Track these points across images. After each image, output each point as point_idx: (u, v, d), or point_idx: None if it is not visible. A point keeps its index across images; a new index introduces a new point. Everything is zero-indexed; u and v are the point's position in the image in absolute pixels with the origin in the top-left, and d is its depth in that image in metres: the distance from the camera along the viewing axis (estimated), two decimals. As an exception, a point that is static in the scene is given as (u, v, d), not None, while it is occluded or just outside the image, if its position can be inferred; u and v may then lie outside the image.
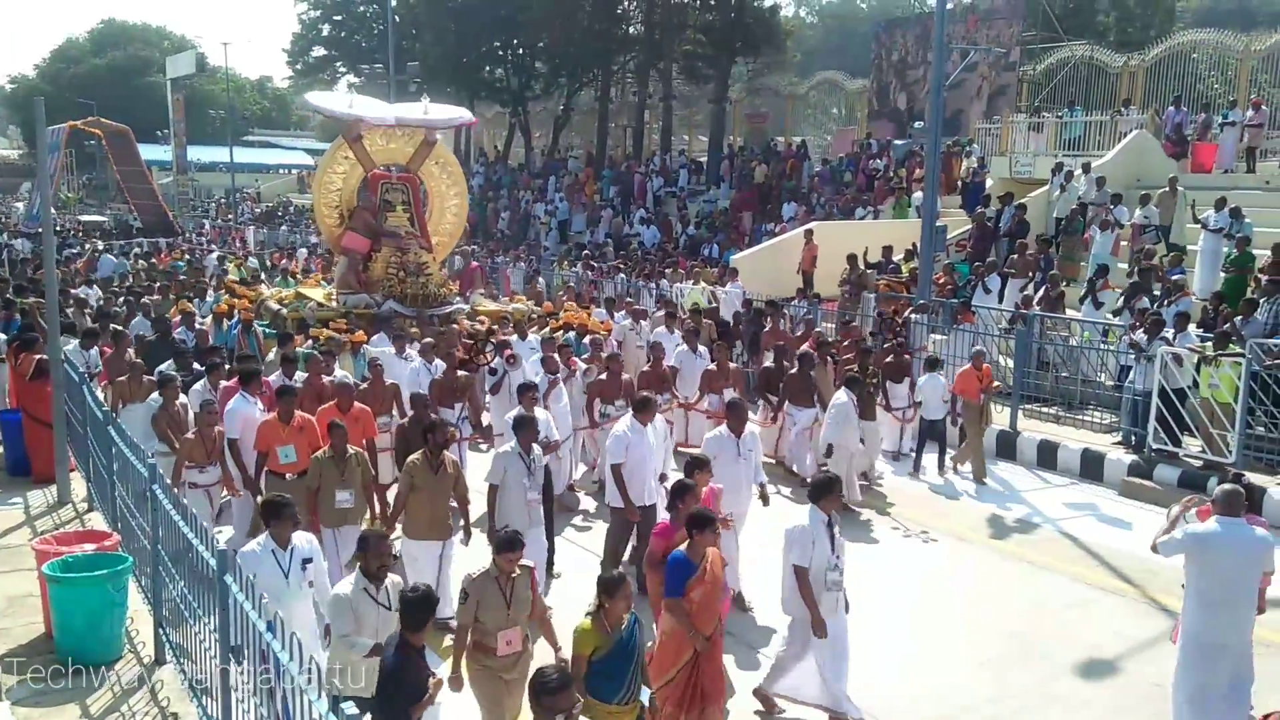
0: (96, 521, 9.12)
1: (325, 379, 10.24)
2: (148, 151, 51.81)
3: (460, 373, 11.02)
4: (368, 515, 8.36)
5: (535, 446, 7.97)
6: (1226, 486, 6.25)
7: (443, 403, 10.46)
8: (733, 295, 17.72)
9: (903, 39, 31.93)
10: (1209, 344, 11.65)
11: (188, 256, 29.21)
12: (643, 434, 8.41)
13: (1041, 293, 15.19)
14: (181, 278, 21.24)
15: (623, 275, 21.57)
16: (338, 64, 51.98)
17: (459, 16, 38.84)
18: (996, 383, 12.33)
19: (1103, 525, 10.57)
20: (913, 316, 14.90)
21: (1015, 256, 16.72)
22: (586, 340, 13.28)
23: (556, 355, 11.42)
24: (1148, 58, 25.50)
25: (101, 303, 17.70)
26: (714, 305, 17.36)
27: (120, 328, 13.32)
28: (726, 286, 18.41)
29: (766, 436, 11.82)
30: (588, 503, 11.03)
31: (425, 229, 16.35)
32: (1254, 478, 10.62)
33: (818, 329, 14.36)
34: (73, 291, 18.21)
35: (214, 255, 29.16)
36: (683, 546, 5.95)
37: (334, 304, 15.25)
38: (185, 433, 9.17)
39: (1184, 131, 21.16)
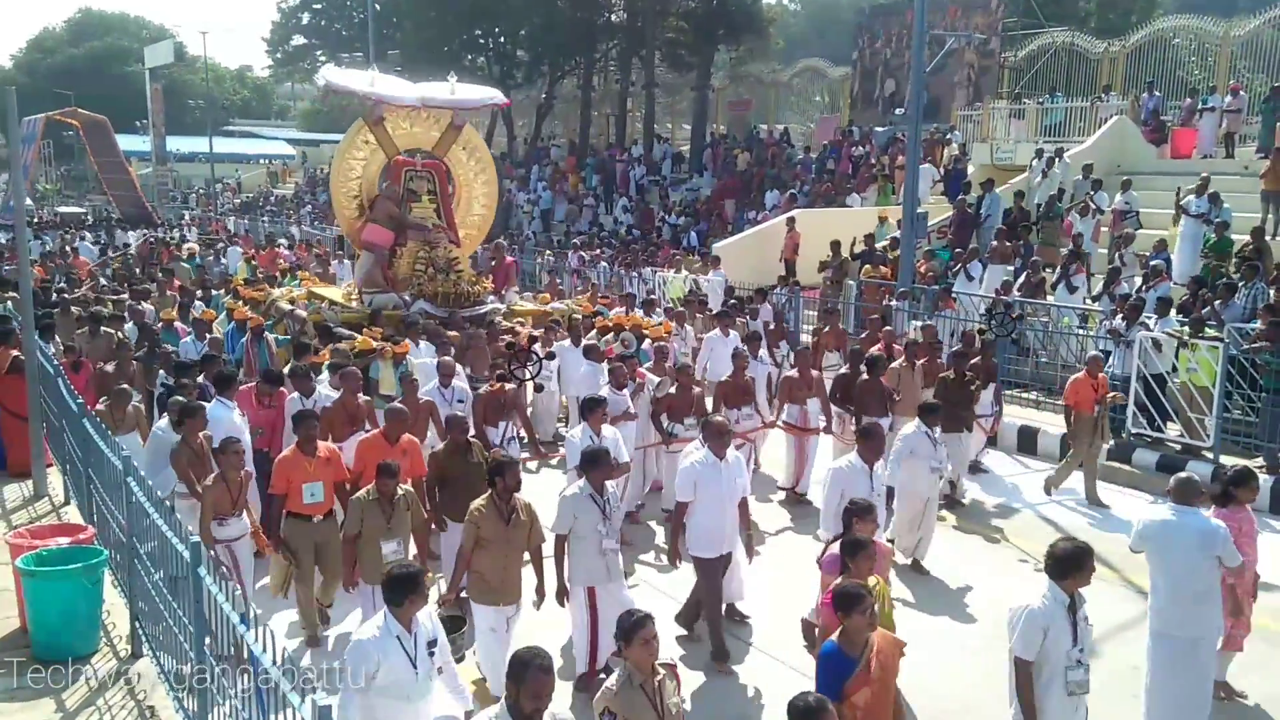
0: (73, 515, 9.05)
1: (362, 397, 8.85)
2: (126, 142, 51.38)
3: (507, 385, 9.78)
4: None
5: (610, 485, 6.67)
6: (1180, 475, 6.15)
7: (489, 421, 9.20)
8: (715, 284, 17.74)
9: (885, 26, 31.90)
10: (1187, 329, 11.72)
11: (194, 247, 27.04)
12: (718, 468, 6.94)
13: (1022, 279, 15.25)
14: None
15: (605, 264, 21.54)
16: (318, 52, 51.60)
17: (440, 4, 38.58)
18: (1114, 392, 10.94)
19: (1081, 510, 10.62)
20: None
21: (995, 244, 16.77)
22: (646, 346, 12.05)
23: (624, 366, 10.11)
24: (1128, 44, 25.59)
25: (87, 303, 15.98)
26: (696, 294, 17.35)
27: (113, 331, 12.19)
28: (709, 275, 18.42)
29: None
30: (658, 534, 9.62)
31: (453, 221, 14.97)
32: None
33: (888, 327, 13.21)
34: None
35: (236, 249, 26.99)
36: (834, 635, 4.69)
37: (353, 304, 14.03)
38: (208, 468, 7.58)
39: (1161, 117, 21.27)
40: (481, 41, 42.28)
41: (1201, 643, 5.97)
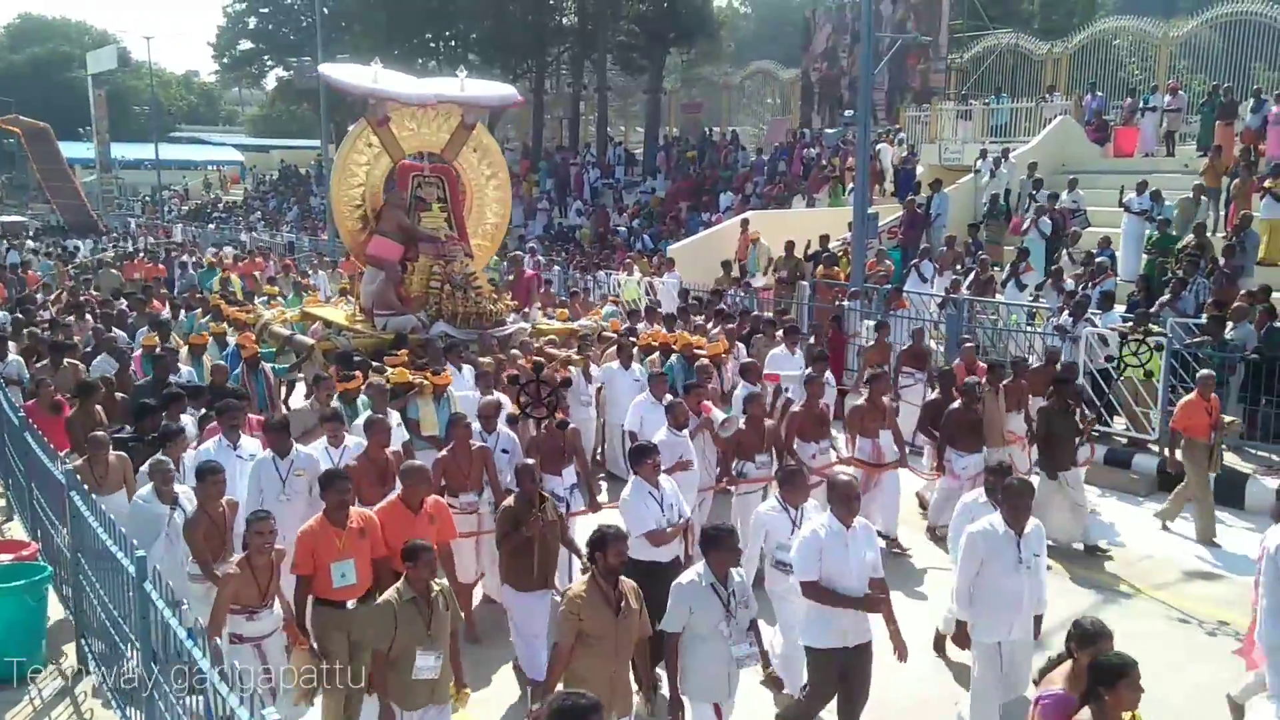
0: (15, 531, 8.88)
1: (389, 450, 7.38)
2: (70, 149, 50.57)
3: (568, 428, 8.19)
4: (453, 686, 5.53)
5: (735, 573, 5.28)
6: None
7: (548, 468, 7.61)
8: (670, 286, 17.78)
9: (832, 29, 32.25)
10: (1131, 324, 11.97)
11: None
12: (843, 538, 5.52)
13: (971, 277, 15.46)
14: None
15: (559, 268, 21.52)
16: (265, 57, 51.18)
17: (390, 8, 38.36)
18: (1230, 417, 9.76)
19: (1195, 548, 9.92)
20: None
21: (945, 250, 16.98)
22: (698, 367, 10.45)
23: (684, 402, 8.52)
24: (1071, 45, 26.06)
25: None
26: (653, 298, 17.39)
27: (78, 363, 10.64)
28: (664, 277, 18.46)
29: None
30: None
31: (465, 231, 13.36)
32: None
33: (969, 344, 11.73)
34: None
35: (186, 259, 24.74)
36: None
37: (360, 326, 12.43)
38: (228, 544, 6.19)
39: (1104, 117, 21.70)
40: (432, 45, 42.11)
41: None
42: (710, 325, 13.21)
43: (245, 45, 51.22)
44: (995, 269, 16.07)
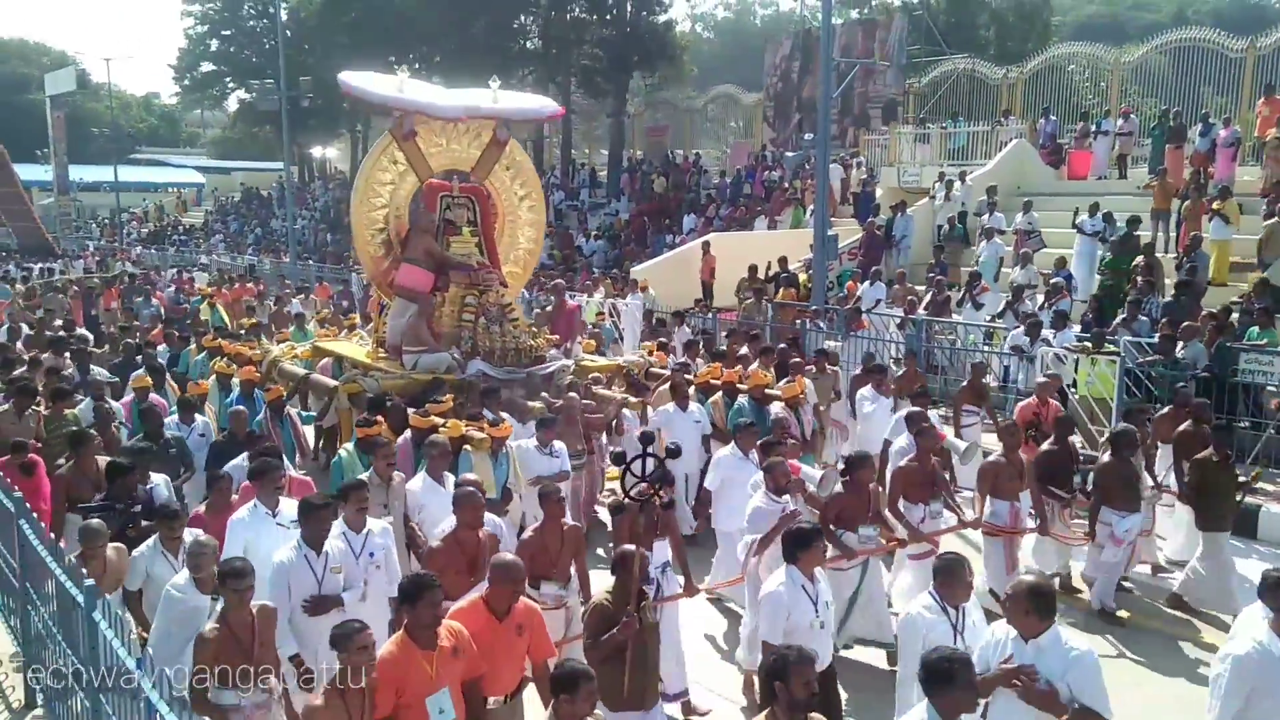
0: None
1: (483, 530, 6.00)
2: (27, 172, 49.87)
3: (660, 500, 6.31)
4: None
5: None
6: None
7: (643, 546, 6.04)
8: (633, 308, 17.80)
9: (792, 54, 32.64)
10: (1088, 343, 12.17)
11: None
12: (1023, 657, 4.42)
13: (929, 297, 15.65)
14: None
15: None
16: (227, 80, 50.93)
17: (351, 31, 38.35)
18: None
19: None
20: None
21: (897, 287, 17.18)
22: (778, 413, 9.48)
23: (784, 460, 7.25)
24: (1026, 70, 26.53)
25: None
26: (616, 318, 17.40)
27: (70, 414, 8.98)
28: (626, 299, 18.48)
29: (1043, 551, 8.39)
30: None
31: (497, 257, 12.18)
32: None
33: (1048, 376, 10.59)
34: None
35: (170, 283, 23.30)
36: None
37: (386, 365, 11.16)
38: (257, 663, 4.84)
39: (1058, 140, 22.12)
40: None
41: None
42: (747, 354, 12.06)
43: (207, 67, 50.98)
44: (952, 290, 16.27)
